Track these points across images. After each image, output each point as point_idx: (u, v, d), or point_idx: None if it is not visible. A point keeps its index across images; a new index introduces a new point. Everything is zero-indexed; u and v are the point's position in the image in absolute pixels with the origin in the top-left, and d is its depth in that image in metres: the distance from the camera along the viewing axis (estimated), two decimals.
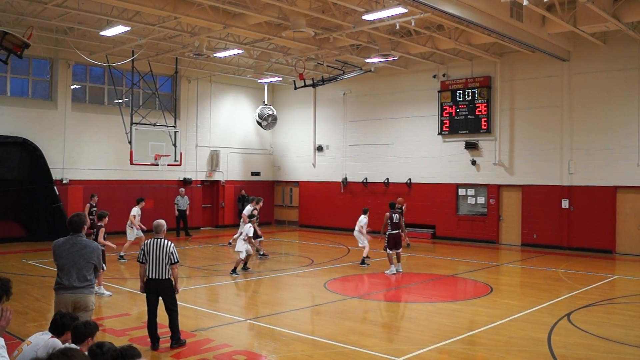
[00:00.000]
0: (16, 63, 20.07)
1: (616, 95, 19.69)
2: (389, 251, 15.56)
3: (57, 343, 5.12)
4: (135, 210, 17.68)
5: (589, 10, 15.72)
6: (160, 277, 8.45)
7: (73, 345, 4.90)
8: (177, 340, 8.61)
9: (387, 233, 15.53)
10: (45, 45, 21.00)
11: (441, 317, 10.89)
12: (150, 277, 8.48)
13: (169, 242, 8.58)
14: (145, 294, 8.69)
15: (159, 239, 8.57)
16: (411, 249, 20.58)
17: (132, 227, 17.59)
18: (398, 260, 15.67)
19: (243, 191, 27.23)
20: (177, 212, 23.31)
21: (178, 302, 8.73)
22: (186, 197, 23.81)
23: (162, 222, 8.79)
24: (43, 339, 5.19)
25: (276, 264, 17.40)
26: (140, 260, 8.55)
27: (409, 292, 13.71)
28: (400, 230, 15.93)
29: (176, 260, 8.54)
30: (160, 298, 8.63)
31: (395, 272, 15.48)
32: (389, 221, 15.58)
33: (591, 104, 20.23)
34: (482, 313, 11.24)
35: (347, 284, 14.53)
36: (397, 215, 15.72)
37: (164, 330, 8.70)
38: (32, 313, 10.28)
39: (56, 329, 5.33)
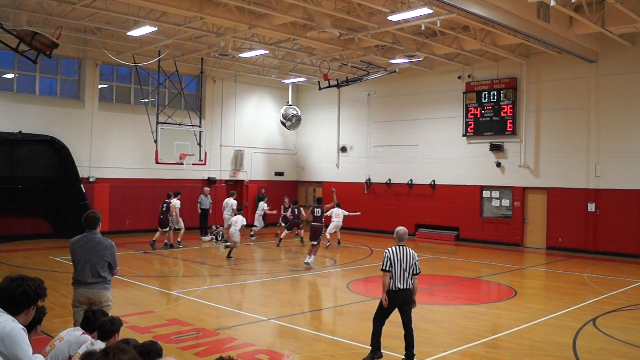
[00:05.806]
0: (45, 63, 20.39)
1: None
2: (313, 242, 16.47)
3: (89, 339, 5.20)
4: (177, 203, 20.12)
5: (618, 11, 15.49)
6: (406, 287, 7.98)
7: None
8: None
9: (310, 225, 16.60)
10: (73, 45, 21.34)
11: (464, 320, 10.82)
12: (395, 287, 7.94)
13: (413, 252, 8.13)
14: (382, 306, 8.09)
15: (403, 247, 8.11)
16: (435, 251, 20.48)
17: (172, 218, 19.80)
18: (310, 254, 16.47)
19: (263, 190, 26.81)
20: (199, 211, 23.43)
21: (202, 301, 8.77)
22: (209, 197, 23.94)
23: (405, 229, 8.37)
24: (74, 335, 5.29)
25: (299, 264, 17.44)
26: (386, 269, 7.99)
27: (432, 294, 13.63)
28: (320, 224, 16.74)
29: (419, 271, 8.11)
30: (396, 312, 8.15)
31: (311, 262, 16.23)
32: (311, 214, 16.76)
33: (619, 106, 19.89)
34: (505, 316, 11.16)
35: (369, 285, 14.47)
36: (318, 209, 16.77)
37: (186, 328, 8.75)
38: (58, 309, 10.44)
39: (88, 325, 5.41)
